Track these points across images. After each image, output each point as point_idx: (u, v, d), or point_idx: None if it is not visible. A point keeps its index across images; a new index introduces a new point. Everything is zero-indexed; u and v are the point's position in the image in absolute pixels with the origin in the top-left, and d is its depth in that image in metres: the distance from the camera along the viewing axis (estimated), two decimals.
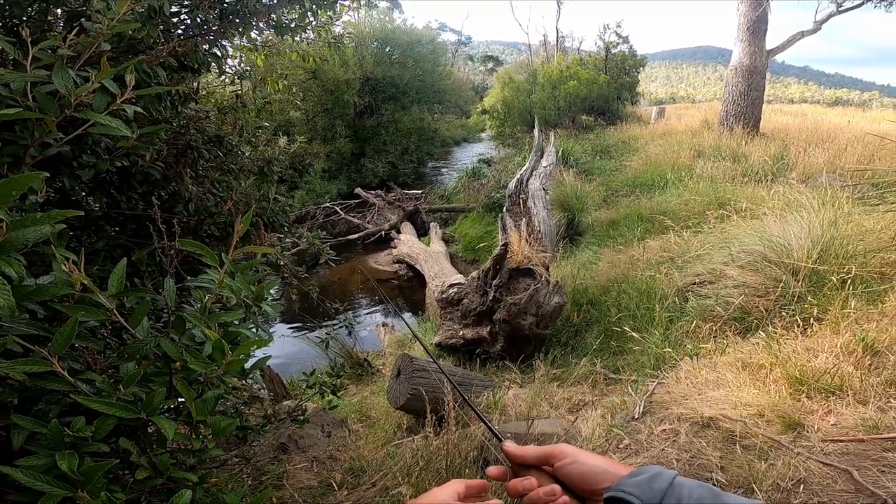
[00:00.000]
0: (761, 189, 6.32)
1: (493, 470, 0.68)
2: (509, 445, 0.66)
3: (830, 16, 10.80)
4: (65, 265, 0.88)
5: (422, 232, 10.54)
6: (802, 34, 10.93)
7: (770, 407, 2.37)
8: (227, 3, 1.84)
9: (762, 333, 3.10)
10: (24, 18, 1.48)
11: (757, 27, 10.07)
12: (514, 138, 15.99)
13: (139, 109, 1.08)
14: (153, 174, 1.80)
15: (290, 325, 6.74)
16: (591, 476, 0.59)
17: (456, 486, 0.61)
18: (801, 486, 1.89)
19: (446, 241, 9.92)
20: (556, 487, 0.60)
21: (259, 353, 1.43)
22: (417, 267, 8.11)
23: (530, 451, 0.65)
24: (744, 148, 9.15)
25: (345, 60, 13.21)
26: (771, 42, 10.44)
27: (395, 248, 9.33)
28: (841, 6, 10.62)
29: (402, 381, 3.23)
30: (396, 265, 9.04)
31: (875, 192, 4.76)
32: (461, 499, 0.60)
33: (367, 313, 7.72)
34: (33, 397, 0.89)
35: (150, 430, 1.01)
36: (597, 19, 18.59)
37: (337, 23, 2.88)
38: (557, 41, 20.05)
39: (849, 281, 3.22)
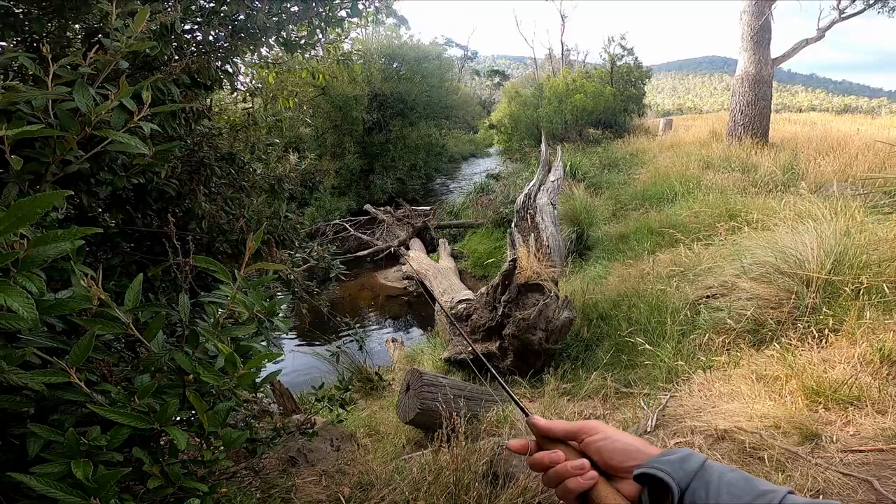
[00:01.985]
0: (772, 199, 6.26)
1: (514, 443, 0.67)
2: (538, 419, 0.66)
3: (833, 23, 10.79)
4: (83, 280, 0.91)
5: (430, 248, 10.54)
6: (807, 42, 10.92)
7: (786, 419, 2.33)
8: (237, 20, 1.89)
9: (776, 345, 3.06)
10: (44, 35, 1.52)
11: (761, 36, 10.07)
12: (522, 153, 16.06)
13: (155, 126, 1.11)
14: (168, 191, 1.84)
15: (300, 341, 6.75)
16: (621, 453, 0.59)
17: None
18: (820, 496, 1.85)
19: (455, 256, 9.91)
20: (585, 461, 0.59)
21: (270, 367, 1.45)
22: (426, 283, 8.11)
23: (559, 424, 0.64)
24: (753, 158, 9.08)
25: (353, 77, 13.33)
26: (776, 50, 10.44)
27: (403, 264, 9.34)
28: (843, 13, 10.62)
29: (412, 395, 3.22)
30: (406, 281, 9.05)
31: (887, 201, 4.70)
32: None
33: (376, 329, 7.71)
34: (49, 407, 0.91)
35: (162, 441, 1.02)
36: (601, 32, 18.80)
37: (345, 40, 2.94)
38: (563, 54, 20.26)
39: (863, 291, 3.17)
